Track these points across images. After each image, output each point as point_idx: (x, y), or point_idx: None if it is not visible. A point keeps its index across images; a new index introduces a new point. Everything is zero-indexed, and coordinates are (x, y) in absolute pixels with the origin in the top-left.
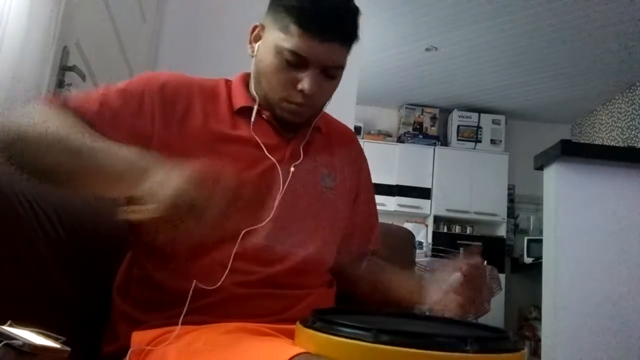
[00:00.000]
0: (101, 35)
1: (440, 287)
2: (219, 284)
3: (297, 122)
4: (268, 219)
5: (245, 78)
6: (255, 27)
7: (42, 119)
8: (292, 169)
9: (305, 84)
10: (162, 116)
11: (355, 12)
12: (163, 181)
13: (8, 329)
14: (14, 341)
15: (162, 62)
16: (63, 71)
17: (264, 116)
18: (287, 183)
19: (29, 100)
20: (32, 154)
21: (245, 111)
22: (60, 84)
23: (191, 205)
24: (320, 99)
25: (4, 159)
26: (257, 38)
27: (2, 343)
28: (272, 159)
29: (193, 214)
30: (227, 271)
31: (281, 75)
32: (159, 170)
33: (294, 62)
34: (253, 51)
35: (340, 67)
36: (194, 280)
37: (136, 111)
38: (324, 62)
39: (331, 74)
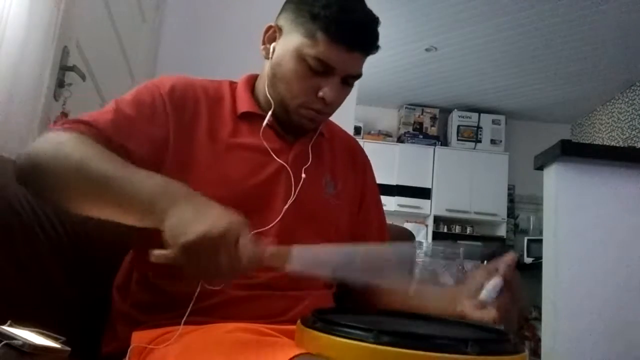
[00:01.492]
0: (101, 35)
1: (475, 296)
2: (222, 285)
3: (311, 128)
4: (276, 222)
5: (250, 81)
6: (269, 28)
7: (58, 147)
8: (303, 174)
9: (327, 91)
10: (175, 120)
11: (377, 22)
12: (188, 221)
13: (8, 329)
14: (14, 341)
15: (162, 62)
16: (63, 71)
17: (267, 121)
18: (299, 186)
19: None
20: (50, 184)
21: (248, 115)
22: (61, 84)
23: (209, 257)
24: (337, 106)
25: (26, 189)
26: (272, 39)
27: (2, 343)
28: (280, 161)
29: (207, 263)
30: None
31: (303, 81)
32: (187, 205)
33: (318, 69)
34: (268, 53)
35: (360, 76)
36: (200, 281)
37: (150, 118)
38: (348, 70)
39: (350, 82)
